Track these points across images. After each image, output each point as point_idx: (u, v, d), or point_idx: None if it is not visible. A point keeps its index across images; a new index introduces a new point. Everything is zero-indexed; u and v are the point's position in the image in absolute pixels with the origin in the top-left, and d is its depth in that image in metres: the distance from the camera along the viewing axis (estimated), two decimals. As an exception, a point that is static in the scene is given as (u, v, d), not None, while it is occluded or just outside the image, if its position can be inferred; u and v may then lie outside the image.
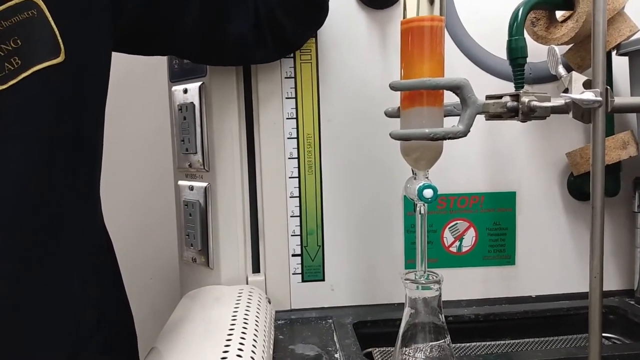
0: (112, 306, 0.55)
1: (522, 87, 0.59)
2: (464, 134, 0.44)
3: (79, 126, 0.46)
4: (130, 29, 0.52)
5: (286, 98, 0.67)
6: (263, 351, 0.51)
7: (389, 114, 0.52)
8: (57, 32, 0.42)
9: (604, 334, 0.66)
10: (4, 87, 0.39)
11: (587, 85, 0.44)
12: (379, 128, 0.66)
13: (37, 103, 0.41)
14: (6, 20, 0.39)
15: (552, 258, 0.72)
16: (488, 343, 0.67)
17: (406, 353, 0.48)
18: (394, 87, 0.45)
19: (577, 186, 0.70)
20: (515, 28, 0.59)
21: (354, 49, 0.67)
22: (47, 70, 0.41)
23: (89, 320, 0.49)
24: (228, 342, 0.49)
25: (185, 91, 0.69)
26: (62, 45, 0.42)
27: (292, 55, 0.67)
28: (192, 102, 0.68)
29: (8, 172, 0.40)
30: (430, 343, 0.47)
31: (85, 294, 0.48)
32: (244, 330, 0.52)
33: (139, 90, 0.98)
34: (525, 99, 0.46)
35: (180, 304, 0.65)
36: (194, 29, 0.56)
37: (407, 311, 0.48)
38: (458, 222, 0.70)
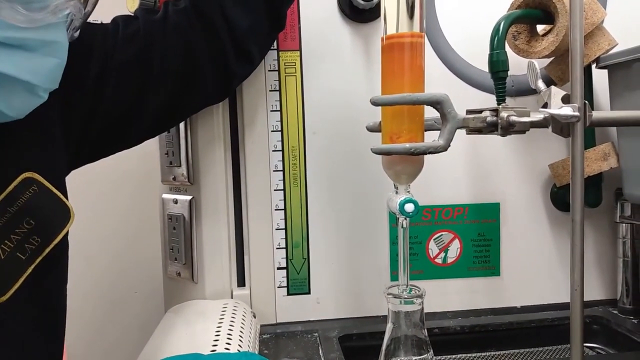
0: None
1: (504, 99, 0.59)
2: (444, 148, 0.45)
3: None
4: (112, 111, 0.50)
5: (271, 111, 0.67)
6: (246, 367, 0.50)
7: (370, 129, 0.52)
8: (61, 197, 0.42)
9: (587, 344, 0.67)
10: (32, 267, 0.40)
11: (566, 100, 0.45)
12: (364, 140, 0.65)
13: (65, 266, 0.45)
14: (11, 205, 0.39)
15: (536, 268, 0.72)
16: (474, 355, 0.67)
17: (389, 368, 0.48)
18: (374, 103, 0.45)
19: (560, 197, 0.71)
20: (497, 41, 0.60)
21: (338, 62, 0.68)
22: (65, 237, 0.43)
23: None
24: (211, 358, 0.48)
25: (170, 104, 0.69)
26: (69, 206, 0.43)
27: (277, 68, 0.67)
28: (176, 115, 0.68)
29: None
30: (413, 357, 0.47)
31: None
32: (228, 346, 0.51)
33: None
34: (504, 114, 0.46)
35: (165, 319, 0.65)
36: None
37: (389, 325, 0.48)
38: (443, 233, 0.71)
